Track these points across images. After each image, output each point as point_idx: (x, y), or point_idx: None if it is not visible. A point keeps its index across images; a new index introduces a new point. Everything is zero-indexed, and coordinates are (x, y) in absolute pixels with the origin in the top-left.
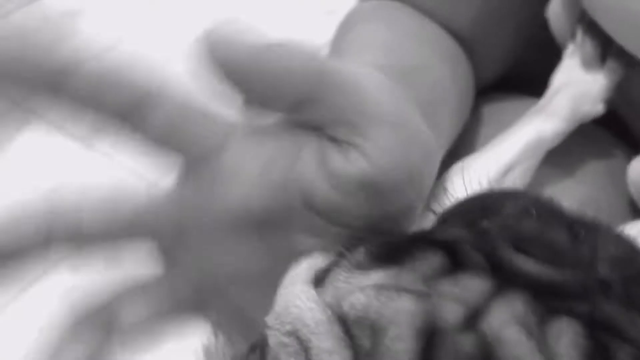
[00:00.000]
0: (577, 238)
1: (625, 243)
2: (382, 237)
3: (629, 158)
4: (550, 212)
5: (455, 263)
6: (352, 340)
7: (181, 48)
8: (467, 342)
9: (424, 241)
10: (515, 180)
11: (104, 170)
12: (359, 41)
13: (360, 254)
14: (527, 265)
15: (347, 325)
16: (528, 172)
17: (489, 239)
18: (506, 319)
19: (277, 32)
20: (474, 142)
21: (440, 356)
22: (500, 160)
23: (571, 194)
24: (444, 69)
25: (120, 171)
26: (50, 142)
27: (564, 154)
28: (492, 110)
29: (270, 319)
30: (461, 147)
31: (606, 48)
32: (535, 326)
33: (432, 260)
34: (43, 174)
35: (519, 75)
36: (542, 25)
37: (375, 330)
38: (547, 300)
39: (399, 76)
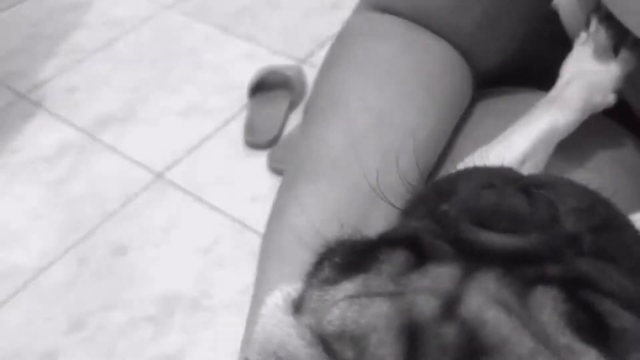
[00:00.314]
0: (536, 199)
1: (585, 193)
2: (343, 247)
3: (639, 148)
4: (504, 180)
5: (422, 255)
6: (335, 356)
7: (189, 41)
8: (449, 332)
9: (385, 242)
10: (529, 172)
11: (109, 162)
12: (343, 88)
13: (325, 269)
14: (492, 239)
15: (328, 342)
16: (541, 163)
17: (451, 222)
18: (483, 301)
19: (284, 25)
20: (486, 134)
21: (425, 351)
22: (514, 151)
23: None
24: (422, 101)
25: (124, 163)
26: (56, 134)
27: (576, 145)
28: (503, 104)
29: (252, 354)
30: (472, 140)
31: (620, 39)
32: (514, 301)
33: (396, 259)
34: (48, 166)
35: (529, 68)
36: (549, 19)
37: (356, 339)
38: (520, 270)
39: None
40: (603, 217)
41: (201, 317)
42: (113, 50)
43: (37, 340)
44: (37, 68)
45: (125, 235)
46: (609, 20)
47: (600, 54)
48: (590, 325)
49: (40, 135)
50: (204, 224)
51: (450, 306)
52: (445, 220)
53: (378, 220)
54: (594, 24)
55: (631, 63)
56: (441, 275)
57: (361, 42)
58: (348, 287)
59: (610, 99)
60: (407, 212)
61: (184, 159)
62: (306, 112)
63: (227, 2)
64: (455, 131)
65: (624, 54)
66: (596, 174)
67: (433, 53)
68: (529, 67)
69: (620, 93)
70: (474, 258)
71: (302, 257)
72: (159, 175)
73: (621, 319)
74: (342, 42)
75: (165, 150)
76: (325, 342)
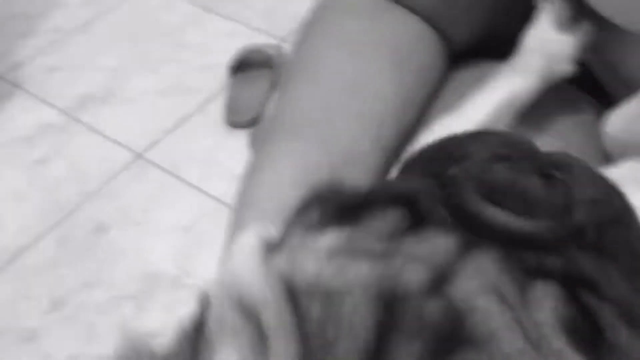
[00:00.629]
0: (551, 182)
1: (602, 182)
2: (338, 194)
3: (601, 114)
4: (521, 154)
5: (418, 218)
6: (301, 312)
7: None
8: (433, 310)
9: (382, 196)
10: None
11: (89, 142)
12: (318, 55)
13: (313, 213)
14: (498, 216)
15: (296, 296)
16: (504, 129)
17: (456, 190)
18: (477, 285)
19: (266, 4)
20: (452, 104)
21: (403, 324)
22: (476, 116)
23: (544, 148)
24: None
25: (104, 143)
26: (35, 115)
27: (540, 112)
28: (477, 75)
29: (215, 288)
30: (440, 110)
31: (579, 10)
32: (511, 291)
33: (391, 217)
34: (28, 146)
35: (503, 40)
36: None
37: (328, 299)
38: (519, 255)
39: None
40: (615, 210)
41: (182, 295)
42: (92, 29)
43: (18, 320)
44: (15, 48)
45: (106, 215)
46: None
47: (560, 24)
48: (587, 335)
49: (20, 116)
50: (185, 203)
51: (440, 282)
52: (450, 186)
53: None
54: None
55: (590, 33)
56: (437, 244)
57: (333, 18)
58: (332, 237)
59: (570, 67)
60: (407, 168)
61: (164, 139)
62: (282, 80)
63: None
64: (430, 103)
65: (583, 24)
66: (560, 140)
67: (403, 27)
68: (503, 38)
69: (583, 61)
70: (474, 233)
71: (273, 215)
72: (139, 155)
73: (618, 333)
74: (315, 17)
75: (145, 130)
76: (293, 294)
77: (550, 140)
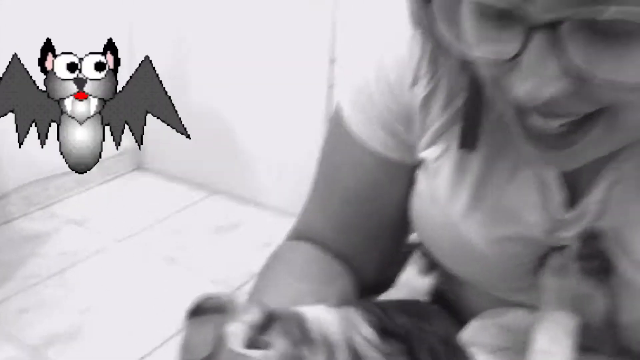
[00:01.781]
0: None
1: None
2: None
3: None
4: None
5: None
6: None
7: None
8: None
9: None
10: None
11: None
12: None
13: None
14: None
15: None
16: None
17: None
18: None
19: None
20: None
21: None
22: None
23: None
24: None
25: None
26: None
27: None
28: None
29: None
30: None
31: (433, 263)
32: None
33: None
34: None
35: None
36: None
37: None
38: None
39: None
40: None
41: None
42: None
43: None
44: None
45: None
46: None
47: (421, 271)
48: None
49: None
50: None
51: None
52: None
53: None
54: (417, 251)
55: (439, 279)
56: None
57: (282, 261)
58: None
59: (425, 299)
60: None
61: None
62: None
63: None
64: None
65: (435, 272)
66: None
67: (330, 268)
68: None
69: (443, 290)
70: None
71: None
72: None
73: None
74: (268, 263)
75: None
76: None
77: None
